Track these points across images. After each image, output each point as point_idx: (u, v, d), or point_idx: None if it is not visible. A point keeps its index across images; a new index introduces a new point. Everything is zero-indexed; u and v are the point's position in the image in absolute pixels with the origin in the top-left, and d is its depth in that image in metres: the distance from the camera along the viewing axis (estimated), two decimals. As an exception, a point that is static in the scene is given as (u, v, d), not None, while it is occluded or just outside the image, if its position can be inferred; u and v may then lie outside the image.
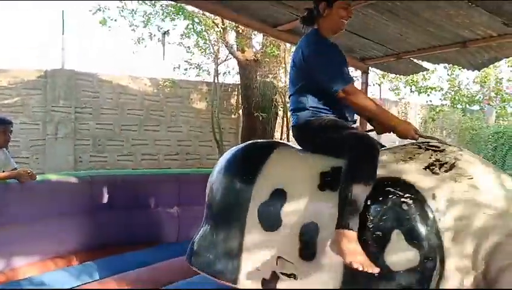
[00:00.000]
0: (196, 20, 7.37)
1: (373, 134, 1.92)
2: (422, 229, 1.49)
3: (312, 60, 1.90)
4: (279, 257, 1.75)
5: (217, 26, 7.16)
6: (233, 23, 6.59)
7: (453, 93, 8.94)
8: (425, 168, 1.62)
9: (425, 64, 4.07)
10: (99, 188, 3.34)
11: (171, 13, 7.59)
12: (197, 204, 3.63)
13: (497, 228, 1.43)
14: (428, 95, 8.69)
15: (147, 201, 3.53)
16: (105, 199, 3.33)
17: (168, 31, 8.03)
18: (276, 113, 7.45)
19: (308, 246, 1.68)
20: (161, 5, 7.60)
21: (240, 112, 8.30)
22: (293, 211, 1.76)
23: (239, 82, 7.86)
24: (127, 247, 3.19)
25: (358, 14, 3.04)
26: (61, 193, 3.10)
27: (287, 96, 7.38)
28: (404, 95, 9.23)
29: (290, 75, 2.08)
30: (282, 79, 7.45)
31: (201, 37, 7.80)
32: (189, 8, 6.96)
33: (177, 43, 8.10)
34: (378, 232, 1.55)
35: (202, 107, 8.64)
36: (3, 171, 2.85)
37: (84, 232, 3.14)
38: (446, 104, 9.22)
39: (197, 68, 8.17)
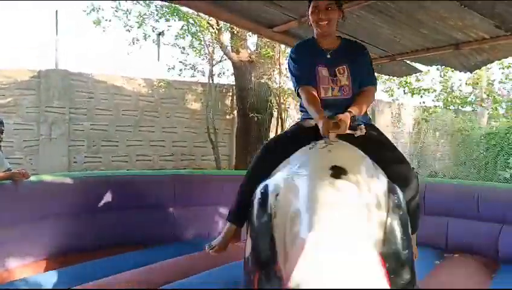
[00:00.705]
0: (191, 21, 7.38)
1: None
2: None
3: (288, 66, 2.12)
4: None
5: (212, 27, 7.18)
6: (228, 24, 6.60)
7: (445, 94, 9.03)
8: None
9: (418, 66, 4.10)
10: (95, 189, 3.34)
11: (165, 14, 7.59)
12: (193, 204, 3.69)
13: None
14: (421, 96, 8.77)
15: (143, 202, 3.53)
16: (100, 200, 3.32)
17: (163, 31, 8.03)
18: (271, 114, 7.47)
19: None
20: (156, 6, 7.60)
21: (235, 112, 8.32)
22: None
23: (234, 83, 7.88)
24: (122, 248, 3.19)
25: (352, 16, 3.07)
26: (56, 193, 3.10)
27: (282, 98, 7.43)
28: (397, 96, 9.31)
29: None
30: (277, 80, 7.48)
31: (196, 38, 7.81)
32: (184, 9, 6.97)
33: (171, 43, 8.12)
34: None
35: (197, 108, 8.64)
36: None
37: (80, 233, 3.14)
38: (439, 106, 9.31)
39: (191, 69, 8.18)
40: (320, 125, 1.74)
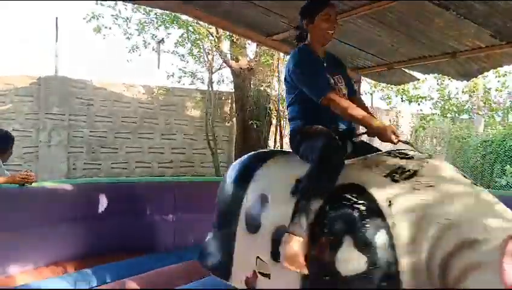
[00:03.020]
0: (190, 29, 7.44)
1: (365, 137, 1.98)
2: (373, 236, 1.50)
3: (295, 73, 1.99)
4: (257, 257, 1.87)
5: (211, 35, 7.24)
6: (228, 32, 6.67)
7: (442, 102, 9.10)
8: (386, 176, 1.64)
9: (416, 74, 4.16)
10: (95, 196, 3.35)
11: (165, 22, 7.66)
12: (192, 211, 3.70)
13: (453, 235, 1.41)
14: (418, 104, 8.84)
15: (142, 208, 3.54)
16: (100, 207, 3.33)
17: (163, 39, 8.09)
18: (270, 122, 7.51)
19: (277, 247, 1.74)
20: (155, 14, 7.66)
21: (234, 120, 8.36)
22: (269, 214, 1.87)
23: (233, 90, 7.93)
24: (122, 254, 3.18)
25: (350, 25, 3.12)
26: (55, 200, 3.10)
27: (281, 105, 7.48)
28: (395, 104, 9.38)
29: (285, 87, 2.19)
30: (276, 87, 7.53)
31: (195, 46, 7.87)
32: (184, 17, 7.03)
33: (171, 51, 8.17)
34: (330, 237, 1.58)
35: (196, 115, 8.68)
36: None
37: (80, 240, 3.14)
38: (436, 113, 9.38)
39: (191, 76, 8.23)
40: (389, 133, 1.73)
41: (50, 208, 3.04)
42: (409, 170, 1.64)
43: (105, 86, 8.06)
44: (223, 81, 8.56)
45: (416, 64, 3.77)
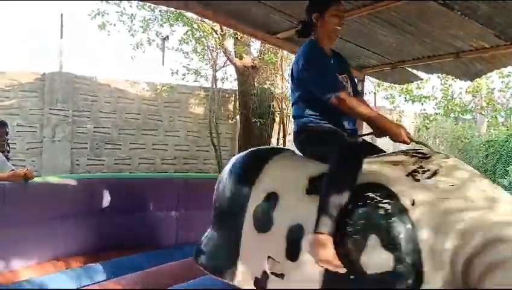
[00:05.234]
0: (195, 26, 7.46)
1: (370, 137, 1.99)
2: (398, 234, 1.51)
3: (305, 71, 1.96)
4: (269, 257, 1.83)
5: (216, 33, 7.26)
6: (232, 30, 6.68)
7: (446, 102, 9.08)
8: (407, 175, 1.64)
9: (419, 73, 4.16)
10: (98, 191, 3.37)
11: (170, 19, 7.67)
12: (196, 208, 3.72)
13: (476, 234, 1.43)
14: (422, 104, 8.84)
15: (146, 205, 3.56)
16: (103, 202, 3.34)
17: (167, 36, 8.10)
18: (273, 119, 7.52)
19: (293, 246, 1.74)
20: (160, 11, 7.68)
21: (237, 117, 8.38)
22: (282, 213, 1.84)
23: (237, 88, 7.95)
24: (125, 250, 3.21)
25: (355, 24, 3.13)
26: (60, 195, 3.12)
27: (284, 103, 7.50)
28: (398, 103, 9.37)
29: (290, 84, 2.15)
30: (280, 85, 7.54)
31: (199, 43, 7.88)
32: (188, 14, 7.04)
33: (175, 48, 8.19)
34: (356, 236, 1.58)
35: (200, 112, 8.71)
36: None
37: (83, 235, 3.16)
38: (439, 113, 9.36)
39: (195, 74, 8.24)
40: (401, 132, 1.75)
41: (54, 203, 3.05)
42: (428, 170, 1.65)
43: (109, 82, 8.09)
44: (226, 78, 8.59)
45: (420, 64, 3.77)
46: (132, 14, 7.91)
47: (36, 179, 3.00)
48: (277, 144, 7.53)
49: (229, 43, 7.53)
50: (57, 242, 3.02)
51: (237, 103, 8.32)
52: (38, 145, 7.55)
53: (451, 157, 1.81)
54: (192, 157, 8.65)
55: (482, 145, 8.79)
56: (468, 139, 9.49)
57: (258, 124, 7.09)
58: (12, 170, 2.99)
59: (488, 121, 10.19)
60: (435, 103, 9.11)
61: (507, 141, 8.16)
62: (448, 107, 9.05)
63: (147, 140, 8.31)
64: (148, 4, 7.35)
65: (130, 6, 7.96)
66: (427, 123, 9.44)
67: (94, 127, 7.90)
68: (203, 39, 7.69)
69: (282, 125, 7.58)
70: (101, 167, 7.90)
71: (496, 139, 8.66)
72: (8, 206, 2.77)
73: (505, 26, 2.84)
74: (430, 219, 1.51)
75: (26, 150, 7.45)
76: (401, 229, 1.51)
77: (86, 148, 7.83)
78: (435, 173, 1.64)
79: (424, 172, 1.65)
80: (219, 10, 3.48)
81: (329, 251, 1.58)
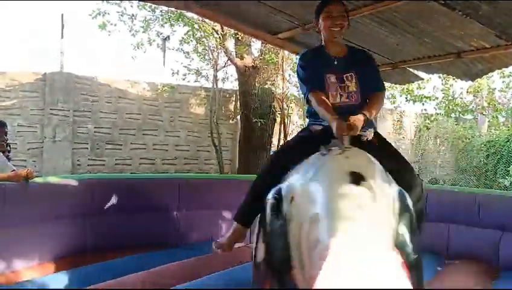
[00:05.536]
0: (196, 26, 7.46)
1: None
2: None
3: (297, 72, 2.14)
4: None
5: (217, 33, 7.25)
6: (233, 30, 6.68)
7: (447, 102, 9.08)
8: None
9: (420, 73, 4.16)
10: (100, 192, 3.38)
11: (170, 19, 7.67)
12: (197, 208, 3.72)
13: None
14: (423, 104, 8.83)
15: (147, 205, 3.56)
16: (105, 203, 3.36)
17: (168, 36, 8.10)
18: (274, 120, 7.52)
19: None
20: (161, 11, 7.68)
21: (238, 117, 8.38)
22: None
23: (237, 88, 7.95)
24: (126, 250, 3.19)
25: (356, 24, 3.13)
26: (61, 195, 3.13)
27: (285, 103, 7.50)
28: (399, 103, 9.36)
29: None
30: (280, 86, 7.54)
31: (200, 44, 7.88)
32: (189, 14, 7.05)
33: (176, 48, 8.18)
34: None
35: (200, 113, 8.71)
36: None
37: (85, 236, 3.17)
38: (440, 113, 9.35)
39: (196, 74, 8.24)
40: (333, 126, 1.75)
41: (55, 203, 3.06)
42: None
43: (110, 82, 8.09)
44: (227, 79, 8.60)
45: (421, 64, 3.77)
46: (133, 14, 7.92)
47: (37, 179, 3.00)
48: (278, 145, 7.53)
49: (230, 43, 7.53)
50: (58, 242, 3.02)
51: (238, 103, 8.32)
52: (39, 145, 7.55)
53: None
54: (193, 158, 8.65)
55: (483, 145, 8.79)
56: (469, 139, 9.49)
57: (259, 124, 7.09)
58: (14, 170, 3.00)
59: (489, 121, 10.17)
60: (435, 103, 9.11)
61: (508, 141, 8.16)
62: (449, 107, 9.04)
63: (148, 140, 8.31)
64: (148, 4, 7.35)
65: (131, 6, 7.94)
66: (428, 123, 9.45)
67: (95, 127, 7.90)
68: (203, 39, 7.70)
69: (283, 126, 7.58)
70: (102, 167, 7.90)
71: (497, 139, 8.66)
72: (9, 206, 2.77)
73: (506, 26, 2.83)
74: (296, 214, 1.50)
75: (27, 150, 7.45)
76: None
77: (87, 148, 7.83)
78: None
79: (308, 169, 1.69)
80: (219, 10, 3.48)
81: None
